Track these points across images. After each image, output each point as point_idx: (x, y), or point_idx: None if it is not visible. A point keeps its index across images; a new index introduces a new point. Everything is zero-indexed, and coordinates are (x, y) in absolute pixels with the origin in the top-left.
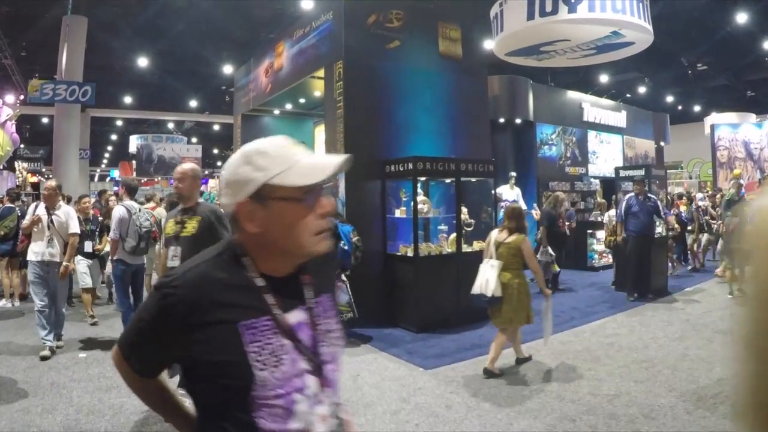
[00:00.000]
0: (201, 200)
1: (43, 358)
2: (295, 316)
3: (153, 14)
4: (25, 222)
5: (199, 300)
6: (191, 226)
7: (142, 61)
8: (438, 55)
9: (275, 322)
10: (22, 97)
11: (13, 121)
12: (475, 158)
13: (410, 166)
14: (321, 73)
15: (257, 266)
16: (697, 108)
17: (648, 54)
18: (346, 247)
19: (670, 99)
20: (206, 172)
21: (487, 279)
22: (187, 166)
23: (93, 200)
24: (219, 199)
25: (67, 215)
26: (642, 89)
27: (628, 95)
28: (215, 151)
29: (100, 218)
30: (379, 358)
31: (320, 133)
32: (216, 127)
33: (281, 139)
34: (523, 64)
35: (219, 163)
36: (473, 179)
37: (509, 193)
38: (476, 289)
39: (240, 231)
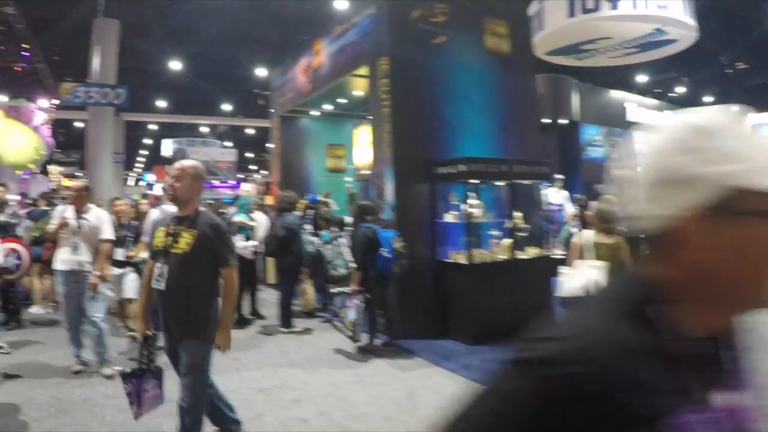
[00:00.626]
0: (202, 209)
1: (75, 372)
2: (730, 400)
3: (185, 17)
4: (51, 226)
5: (608, 384)
6: (185, 240)
7: (175, 65)
8: (485, 52)
9: (712, 415)
10: (55, 101)
11: (48, 126)
12: (529, 159)
13: (462, 167)
14: (363, 70)
15: (680, 320)
16: (735, 108)
17: (686, 53)
18: (387, 255)
19: (708, 99)
20: (240, 176)
21: (595, 281)
22: (187, 162)
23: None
24: (629, 207)
25: (100, 219)
26: (680, 89)
27: (670, 94)
28: (249, 154)
29: (135, 223)
30: (434, 373)
31: (361, 134)
32: (249, 131)
33: (719, 110)
34: (562, 64)
35: (253, 167)
36: (526, 182)
37: (556, 196)
38: (576, 291)
39: (671, 262)
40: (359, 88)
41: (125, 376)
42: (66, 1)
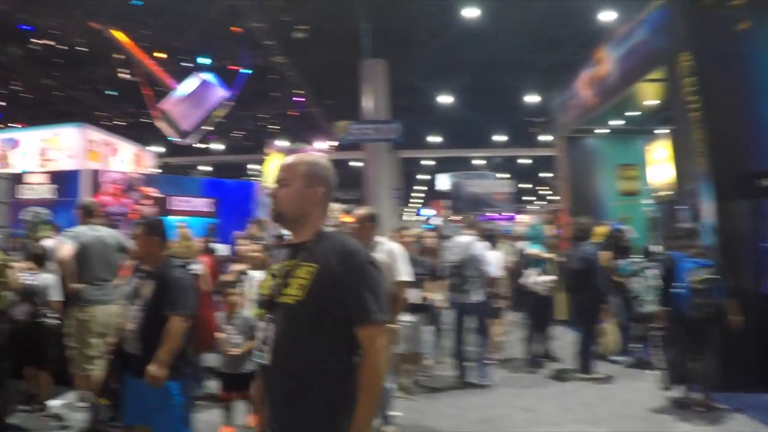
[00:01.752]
0: (327, 229)
1: None
2: None
3: (450, 51)
4: None
5: None
6: (297, 282)
7: (445, 99)
8: None
9: None
10: (333, 143)
11: None
12: None
13: None
14: (657, 74)
15: None
16: None
17: None
18: (680, 290)
19: None
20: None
21: None
22: (299, 157)
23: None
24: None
25: (392, 256)
26: None
27: None
28: (524, 185)
29: (426, 259)
30: None
31: (655, 151)
32: (522, 161)
33: None
34: None
35: (529, 198)
36: None
37: None
38: None
39: None
40: (651, 95)
41: None
42: (332, 47)
